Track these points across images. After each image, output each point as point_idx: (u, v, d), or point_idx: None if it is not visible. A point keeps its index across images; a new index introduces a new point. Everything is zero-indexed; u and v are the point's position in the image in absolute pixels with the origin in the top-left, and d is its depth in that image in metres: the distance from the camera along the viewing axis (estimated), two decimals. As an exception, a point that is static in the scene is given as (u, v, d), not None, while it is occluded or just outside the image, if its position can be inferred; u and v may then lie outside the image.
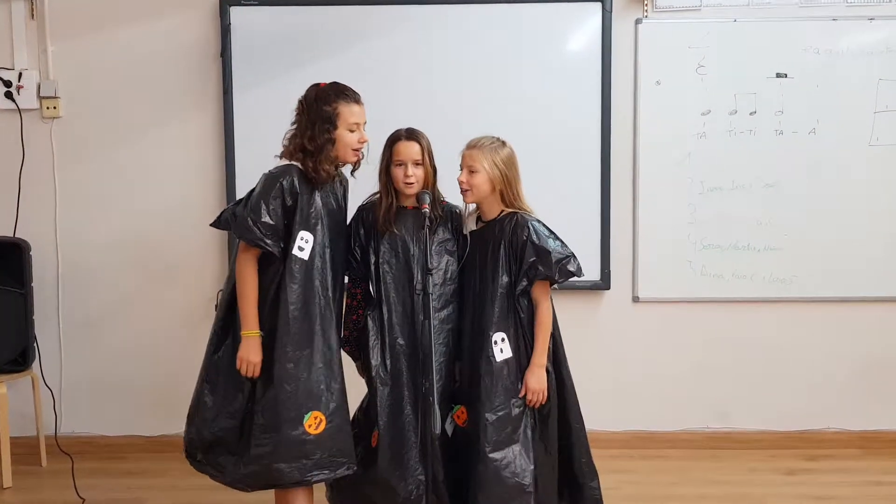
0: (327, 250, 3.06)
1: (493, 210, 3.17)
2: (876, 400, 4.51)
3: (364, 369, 3.24)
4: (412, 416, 3.14)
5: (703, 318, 4.48)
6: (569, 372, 3.21)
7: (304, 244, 3.00)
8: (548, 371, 3.12)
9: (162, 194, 4.42)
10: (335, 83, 3.09)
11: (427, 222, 3.09)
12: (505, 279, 3.11)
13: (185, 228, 4.39)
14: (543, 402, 3.10)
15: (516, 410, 3.08)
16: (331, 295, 3.06)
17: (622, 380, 4.51)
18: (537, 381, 3.09)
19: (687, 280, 4.44)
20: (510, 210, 3.15)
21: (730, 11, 4.36)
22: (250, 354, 2.96)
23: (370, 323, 3.20)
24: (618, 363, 4.50)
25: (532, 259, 3.07)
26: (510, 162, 3.14)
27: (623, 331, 4.50)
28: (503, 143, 3.16)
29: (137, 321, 4.47)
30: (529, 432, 3.09)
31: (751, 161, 4.39)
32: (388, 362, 3.17)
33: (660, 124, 4.39)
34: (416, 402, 3.13)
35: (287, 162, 3.04)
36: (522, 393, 3.08)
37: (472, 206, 3.26)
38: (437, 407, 2.89)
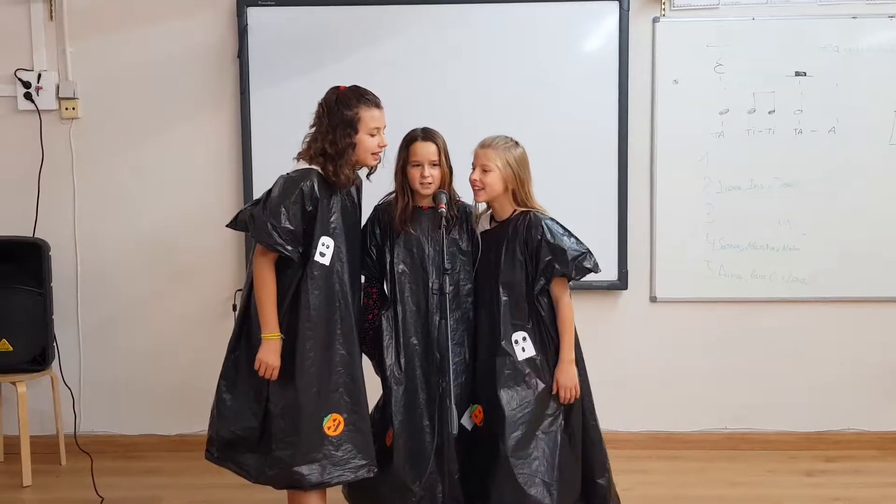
0: (346, 252, 3.07)
1: (506, 209, 3.19)
2: (895, 401, 4.49)
3: (379, 369, 3.26)
4: (427, 415, 3.16)
5: (722, 318, 4.47)
6: (585, 369, 3.22)
7: (325, 250, 3.01)
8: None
9: (179, 195, 4.44)
10: (356, 87, 3.09)
11: (444, 222, 3.11)
12: (521, 278, 3.13)
13: (201, 228, 4.41)
14: (577, 397, 3.12)
15: (538, 408, 3.10)
16: (350, 298, 3.07)
17: (639, 380, 4.50)
18: (567, 376, 3.11)
19: (705, 280, 4.43)
20: (523, 209, 3.16)
21: (748, 9, 4.35)
22: (270, 357, 2.96)
23: (384, 323, 3.22)
24: (635, 363, 4.49)
25: (548, 258, 3.09)
26: (522, 162, 3.16)
27: (640, 331, 4.49)
28: (516, 143, 3.18)
29: (155, 321, 4.49)
30: (554, 429, 3.10)
31: (769, 160, 4.37)
32: (401, 361, 3.19)
33: (677, 123, 4.38)
34: (431, 401, 3.15)
35: (307, 165, 3.04)
36: (555, 390, 3.10)
37: (483, 206, 3.27)
38: (453, 407, 2.89)
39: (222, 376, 3.10)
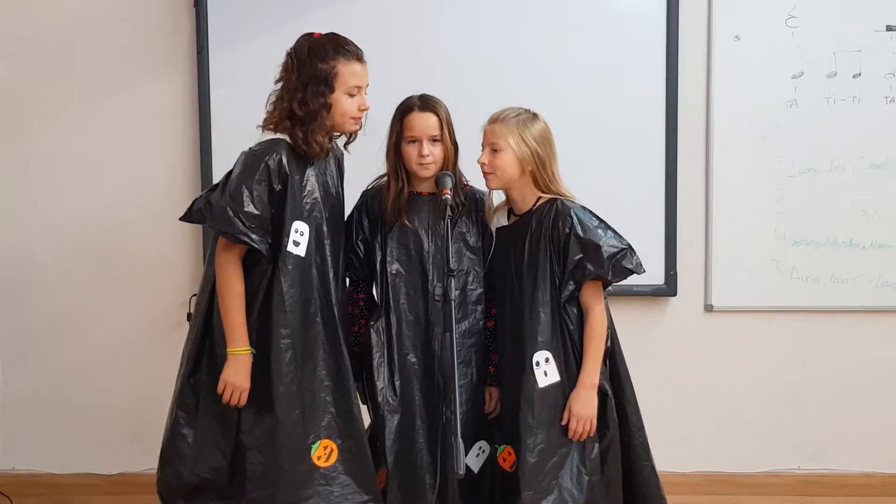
0: (326, 242, 3.10)
1: (527, 198, 3.19)
2: None
3: (367, 393, 3.27)
4: (427, 451, 3.17)
5: (794, 331, 4.49)
6: (633, 395, 3.23)
7: (299, 237, 3.02)
8: (603, 393, 3.12)
9: (119, 179, 4.45)
10: (333, 35, 3.10)
11: (448, 211, 3.07)
12: (548, 283, 3.12)
13: (148, 221, 4.42)
14: (591, 434, 3.10)
15: (564, 448, 3.09)
16: (333, 297, 3.09)
17: (692, 409, 4.52)
18: (583, 404, 3.08)
19: (773, 285, 4.45)
20: (548, 197, 3.16)
21: (829, -54, 4.38)
22: (237, 377, 2.96)
23: (374, 336, 3.23)
24: (686, 388, 4.51)
25: (578, 256, 3.08)
26: (543, 138, 3.15)
27: (693, 348, 4.51)
28: (534, 115, 3.18)
29: (92, 333, 4.50)
30: (584, 474, 3.07)
31: (854, 136, 4.39)
32: (396, 384, 3.20)
33: (739, 90, 4.39)
34: (432, 434, 3.16)
35: (272, 135, 3.05)
36: (565, 420, 3.09)
37: (501, 197, 3.29)
38: (460, 442, 2.84)
39: (178, 405, 3.10)
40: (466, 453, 3.11)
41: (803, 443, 4.51)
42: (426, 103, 3.21)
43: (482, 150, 3.17)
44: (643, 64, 4.36)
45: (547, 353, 3.10)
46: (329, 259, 3.09)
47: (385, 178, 3.28)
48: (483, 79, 4.26)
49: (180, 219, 3.18)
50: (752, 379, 4.50)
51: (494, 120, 3.16)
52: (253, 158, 3.00)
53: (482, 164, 3.15)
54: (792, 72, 4.38)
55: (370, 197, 3.33)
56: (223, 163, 3.92)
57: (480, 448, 3.29)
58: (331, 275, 3.09)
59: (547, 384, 3.09)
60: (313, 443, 3.00)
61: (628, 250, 3.11)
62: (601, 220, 3.16)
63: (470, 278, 3.26)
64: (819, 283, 4.44)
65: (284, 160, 2.99)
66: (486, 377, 3.31)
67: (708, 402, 4.51)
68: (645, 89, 4.37)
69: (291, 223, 3.01)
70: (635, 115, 4.37)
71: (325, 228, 3.09)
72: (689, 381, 4.51)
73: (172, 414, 3.10)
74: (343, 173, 3.28)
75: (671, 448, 4.36)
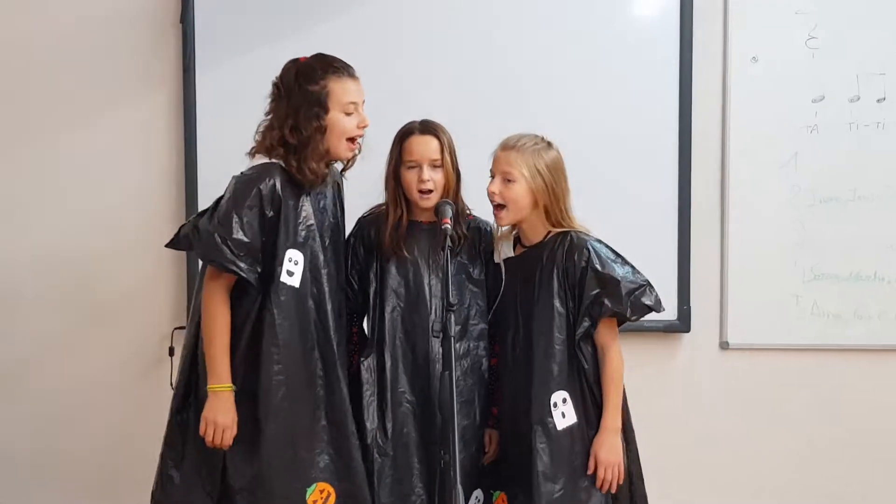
0: (324, 272, 3.09)
1: (537, 231, 3.19)
2: None
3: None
4: (425, 498, 3.16)
5: (815, 371, 4.46)
6: (635, 442, 3.23)
7: (293, 267, 3.02)
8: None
9: (101, 201, 4.44)
10: (319, 55, 3.12)
11: (447, 242, 3.06)
12: (563, 320, 3.12)
13: (130, 248, 4.41)
14: (621, 482, 3.10)
15: (584, 494, 3.08)
16: (332, 330, 3.09)
17: (705, 455, 4.48)
18: (610, 450, 3.09)
19: (793, 321, 4.42)
20: (560, 230, 3.16)
21: (851, -37, 4.38)
22: (218, 415, 2.95)
23: (365, 374, 3.23)
24: (699, 432, 4.48)
25: (595, 291, 3.08)
26: (557, 169, 3.16)
27: (706, 388, 4.48)
28: (548, 143, 3.18)
29: (66, 370, 4.47)
30: None
31: (879, 163, 4.38)
32: (388, 426, 3.20)
33: (757, 115, 4.39)
34: (430, 480, 3.15)
35: (265, 160, 3.05)
36: (592, 469, 3.08)
37: (505, 227, 3.28)
38: (459, 489, 2.83)
39: (166, 444, 3.10)
40: (467, 500, 3.13)
41: (826, 494, 4.47)
42: (427, 127, 3.22)
43: (492, 178, 3.16)
44: (655, 87, 4.35)
45: (564, 394, 3.11)
46: (326, 290, 3.09)
47: (383, 207, 3.29)
48: (488, 104, 4.28)
49: (167, 245, 3.16)
50: (770, 422, 4.47)
51: (509, 147, 3.15)
52: (244, 183, 3.00)
53: (492, 195, 3.14)
54: (812, 95, 4.37)
55: (367, 225, 3.33)
56: (209, 188, 4.02)
57: (477, 498, 3.29)
58: (328, 306, 3.09)
59: (565, 426, 3.09)
60: (308, 486, 2.99)
61: (647, 286, 3.13)
62: (618, 254, 3.17)
63: (472, 313, 3.26)
64: (842, 319, 4.41)
65: (278, 185, 3.00)
66: (487, 418, 3.30)
67: (722, 447, 4.47)
68: (657, 114, 4.36)
69: (285, 252, 3.01)
70: (646, 141, 4.35)
71: (321, 258, 3.09)
72: (702, 423, 4.48)
73: (161, 454, 3.11)
74: (343, 200, 3.29)
75: (682, 497, 4.38)
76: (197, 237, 2.99)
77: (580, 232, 3.16)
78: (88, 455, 4.46)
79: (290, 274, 3.01)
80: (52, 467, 4.48)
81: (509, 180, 3.11)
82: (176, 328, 4.30)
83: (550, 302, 3.12)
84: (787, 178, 4.40)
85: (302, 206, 3.06)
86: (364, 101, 3.12)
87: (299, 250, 3.03)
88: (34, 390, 4.48)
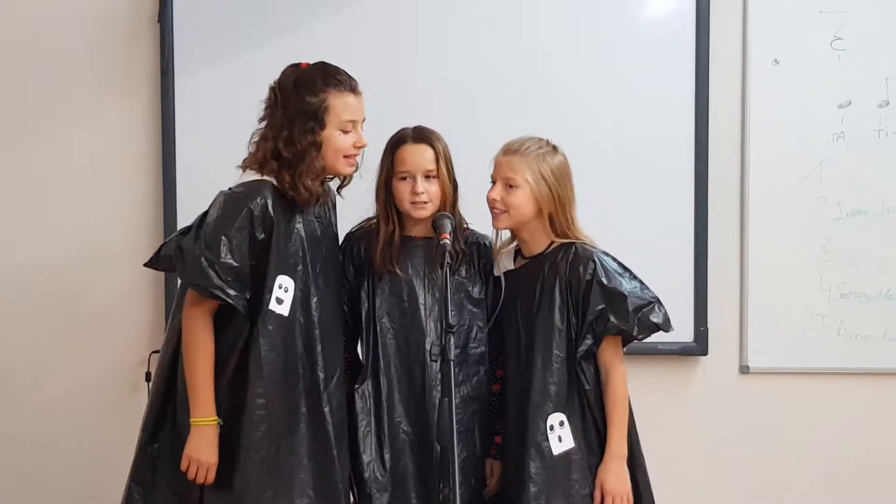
0: (313, 301, 3.07)
1: (539, 241, 3.18)
2: None
3: (351, 469, 3.21)
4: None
5: (842, 396, 4.45)
6: (646, 471, 3.20)
7: (283, 294, 3.00)
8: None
9: (71, 215, 4.43)
10: (322, 64, 3.09)
11: (446, 258, 3.02)
12: (563, 337, 3.10)
13: (102, 265, 4.41)
14: None
15: None
16: (319, 364, 3.06)
17: (724, 484, 4.46)
18: (616, 479, 3.08)
19: (818, 343, 4.41)
20: (564, 241, 3.15)
21: (879, -41, 4.40)
22: (202, 452, 2.93)
23: (359, 402, 3.20)
24: (718, 460, 4.47)
25: (600, 307, 3.07)
26: (563, 175, 3.15)
27: (725, 414, 4.47)
28: (553, 147, 3.17)
29: (33, 398, 4.47)
30: None
31: (910, 173, 4.36)
32: (386, 458, 3.18)
33: (779, 121, 4.39)
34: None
35: (256, 177, 3.02)
36: (598, 501, 3.08)
37: (506, 235, 3.28)
38: None
39: (132, 478, 3.07)
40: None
41: (854, 526, 4.47)
42: (420, 134, 3.21)
43: (493, 184, 3.15)
44: (669, 92, 4.37)
45: (561, 416, 3.09)
46: (315, 319, 3.07)
47: (374, 221, 3.27)
48: (488, 106, 4.28)
49: (145, 265, 3.15)
50: (793, 451, 4.47)
51: (511, 151, 3.14)
52: (234, 202, 2.96)
53: (493, 201, 3.13)
54: (838, 101, 4.38)
55: (356, 240, 3.32)
56: (188, 200, 4.12)
57: (479, 531, 3.27)
58: (317, 334, 3.07)
59: (561, 451, 3.08)
60: None
61: (656, 303, 3.11)
62: (625, 268, 3.17)
63: (472, 335, 3.25)
64: (870, 341, 4.42)
65: (270, 206, 2.97)
66: (489, 448, 3.29)
67: (742, 477, 4.47)
68: (671, 120, 4.36)
69: (275, 278, 2.99)
70: (661, 149, 4.36)
71: (311, 285, 3.07)
72: (720, 452, 4.47)
73: (127, 489, 3.07)
74: (335, 214, 3.27)
75: None
76: (181, 259, 2.97)
77: (586, 244, 3.16)
78: (59, 482, 4.45)
79: (280, 302, 2.99)
80: (20, 494, 4.46)
81: (512, 186, 3.11)
82: (153, 352, 4.29)
83: (551, 317, 3.11)
84: (812, 190, 4.40)
85: (294, 227, 3.05)
86: (364, 119, 3.11)
87: (290, 276, 3.01)
88: (4, 414, 4.47)
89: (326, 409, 3.06)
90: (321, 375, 3.07)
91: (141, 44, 4.40)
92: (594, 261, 3.09)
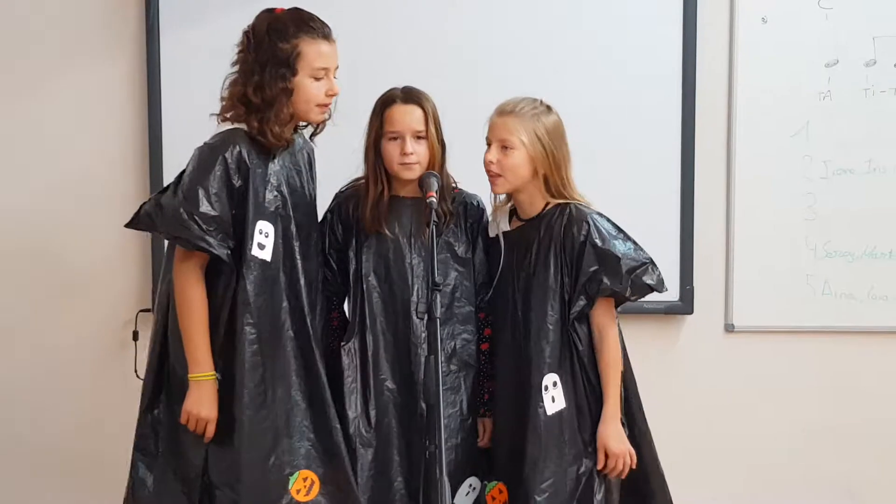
0: (296, 244, 3.09)
1: (535, 202, 3.19)
2: None
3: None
4: (405, 492, 3.19)
5: (826, 355, 4.49)
6: (647, 427, 3.27)
7: (264, 239, 3.01)
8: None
9: (55, 175, 4.45)
10: (296, 10, 3.10)
11: (433, 217, 3.06)
12: (557, 298, 3.13)
13: (89, 222, 4.42)
14: (633, 467, 3.13)
15: (574, 484, 3.10)
16: (306, 306, 3.09)
17: (710, 441, 4.51)
18: (617, 439, 3.11)
19: (803, 302, 4.45)
20: (559, 202, 3.16)
21: (868, -87, 4.37)
22: (202, 406, 2.96)
23: (346, 359, 3.23)
24: (704, 418, 4.51)
25: (593, 268, 3.09)
26: (558, 135, 3.15)
27: (711, 373, 4.51)
28: (548, 107, 3.17)
29: (17, 360, 4.48)
30: None
31: (896, 132, 4.37)
32: (371, 414, 3.21)
33: (766, 80, 4.39)
34: (412, 471, 3.18)
35: (230, 125, 3.05)
36: (602, 463, 3.11)
37: (502, 198, 3.28)
38: (445, 481, 2.81)
39: (136, 446, 3.10)
40: (455, 491, 3.15)
41: (837, 481, 4.51)
42: (410, 95, 3.21)
43: (488, 147, 3.16)
44: (657, 49, 4.37)
45: (555, 377, 3.11)
46: (299, 264, 3.08)
47: (362, 180, 3.29)
48: (475, 64, 4.29)
49: (126, 225, 3.13)
50: (778, 408, 4.50)
51: (506, 112, 3.14)
52: (208, 153, 2.99)
53: (489, 164, 3.14)
54: (825, 59, 4.38)
55: (345, 199, 3.33)
56: (175, 157, 3.99)
57: (471, 486, 3.30)
58: (302, 281, 3.08)
59: (554, 411, 3.10)
60: (291, 474, 3.00)
61: (650, 265, 3.14)
62: (620, 230, 3.18)
63: (457, 294, 3.28)
64: (855, 299, 4.45)
65: (244, 153, 2.99)
66: (478, 406, 3.31)
67: (728, 434, 4.51)
68: (658, 78, 4.36)
69: (255, 224, 3.00)
70: (647, 108, 4.37)
71: (292, 229, 3.08)
72: (706, 410, 4.51)
73: (133, 457, 3.11)
74: (314, 169, 3.28)
75: (687, 486, 4.27)
76: (160, 214, 2.97)
77: (581, 204, 3.16)
78: (49, 443, 4.46)
79: (262, 247, 3.00)
80: (11, 455, 4.48)
81: (507, 147, 3.10)
82: (140, 311, 4.31)
83: (546, 278, 3.13)
84: (798, 149, 4.42)
85: (270, 173, 3.06)
86: (338, 67, 3.11)
87: (269, 221, 3.03)
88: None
89: (318, 353, 3.09)
90: (309, 319, 3.09)
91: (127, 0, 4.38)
92: (588, 222, 3.10)
